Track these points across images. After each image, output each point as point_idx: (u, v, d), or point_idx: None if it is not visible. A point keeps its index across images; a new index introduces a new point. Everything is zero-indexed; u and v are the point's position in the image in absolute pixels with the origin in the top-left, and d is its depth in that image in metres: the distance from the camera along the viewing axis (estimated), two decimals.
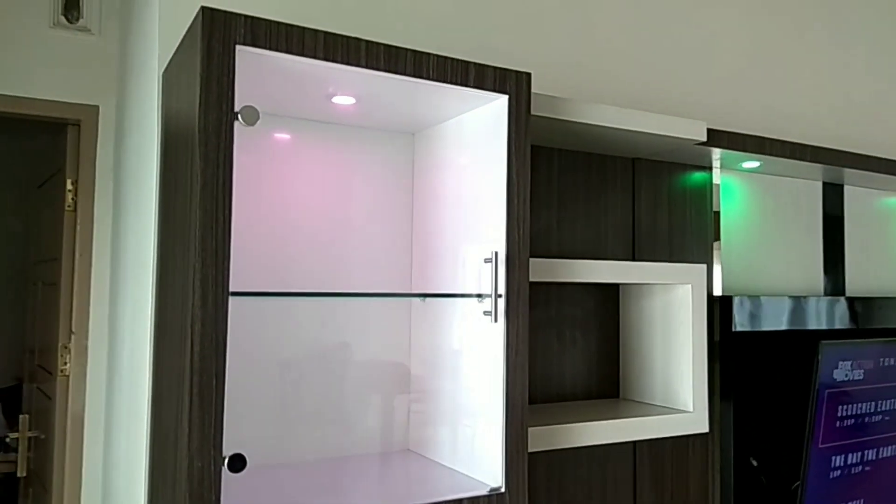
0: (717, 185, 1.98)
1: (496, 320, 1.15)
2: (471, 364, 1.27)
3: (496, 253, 1.16)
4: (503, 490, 1.17)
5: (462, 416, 1.29)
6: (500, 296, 1.18)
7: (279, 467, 1.30)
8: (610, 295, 1.72)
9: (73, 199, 2.10)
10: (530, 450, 1.36)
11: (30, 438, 2.40)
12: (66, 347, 2.08)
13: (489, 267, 1.18)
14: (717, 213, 1.93)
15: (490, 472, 1.20)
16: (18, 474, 2.38)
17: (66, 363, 2.09)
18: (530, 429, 1.37)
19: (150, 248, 1.30)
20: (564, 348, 1.66)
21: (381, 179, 1.44)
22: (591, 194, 1.69)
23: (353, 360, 1.41)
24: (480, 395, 1.24)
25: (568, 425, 1.39)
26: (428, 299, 1.43)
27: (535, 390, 1.62)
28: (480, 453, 1.23)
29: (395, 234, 1.46)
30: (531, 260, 1.37)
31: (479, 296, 1.21)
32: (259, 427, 1.30)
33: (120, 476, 1.49)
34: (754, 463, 1.86)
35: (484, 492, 1.16)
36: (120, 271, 1.70)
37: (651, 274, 1.48)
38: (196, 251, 0.95)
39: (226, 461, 0.95)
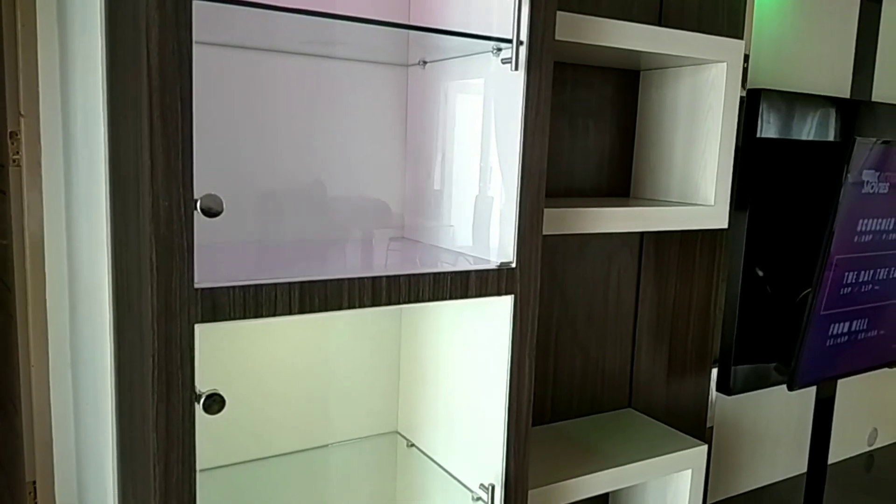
0: None
1: (516, 68, 0.97)
2: (476, 132, 1.11)
3: None
4: (514, 265, 1.04)
5: (465, 192, 1.14)
6: (521, 42, 0.99)
7: (254, 243, 1.15)
8: (630, 80, 1.54)
9: None
10: (548, 233, 1.23)
11: None
12: (15, 135, 1.87)
13: (509, 3, 0.98)
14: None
15: (500, 249, 1.07)
16: None
17: (17, 153, 1.88)
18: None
19: None
20: (576, 138, 1.50)
21: None
22: None
23: (337, 133, 1.23)
24: (489, 164, 1.09)
25: (581, 210, 1.25)
26: (428, 65, 1.23)
27: None
28: (488, 230, 1.09)
29: None
30: (562, 15, 1.17)
31: (496, 42, 1.02)
32: (232, 204, 1.14)
33: (83, 259, 1.35)
34: (760, 273, 1.78)
35: (493, 266, 1.03)
36: (68, 36, 1.46)
37: (683, 44, 1.29)
38: None
39: (198, 203, 0.79)
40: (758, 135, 1.70)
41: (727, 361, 1.74)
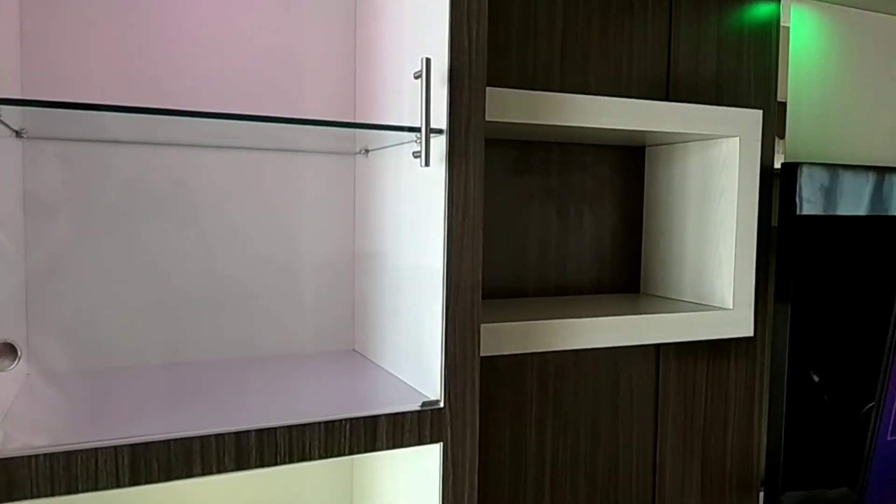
0: (787, 28, 1.51)
1: (426, 164, 0.78)
2: (410, 232, 0.91)
3: (427, 61, 0.77)
4: (442, 405, 0.83)
5: (405, 305, 0.94)
6: (436, 130, 0.80)
7: (150, 368, 0.99)
8: (631, 158, 1.32)
9: None
10: (509, 351, 1.02)
11: None
12: None
13: (420, 86, 0.79)
14: (781, 59, 1.47)
15: (428, 382, 0.86)
16: None
17: None
18: (507, 325, 1.02)
19: None
20: (568, 228, 1.28)
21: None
22: (609, 23, 1.27)
23: (274, 230, 1.07)
24: (418, 277, 0.89)
25: (560, 321, 1.03)
26: (371, 153, 1.06)
27: (525, 281, 1.26)
28: (422, 357, 0.89)
29: (336, 62, 1.08)
30: (515, 93, 0.98)
31: (411, 130, 0.83)
32: (125, 321, 0.98)
33: None
34: (815, 378, 1.47)
35: (413, 406, 0.82)
36: None
37: (684, 119, 1.07)
38: None
39: None
40: (798, 212, 1.43)
41: (774, 488, 1.43)
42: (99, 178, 0.96)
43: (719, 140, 1.15)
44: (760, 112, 1.14)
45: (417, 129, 0.80)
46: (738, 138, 1.12)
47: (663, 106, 1.06)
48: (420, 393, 0.88)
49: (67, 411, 0.79)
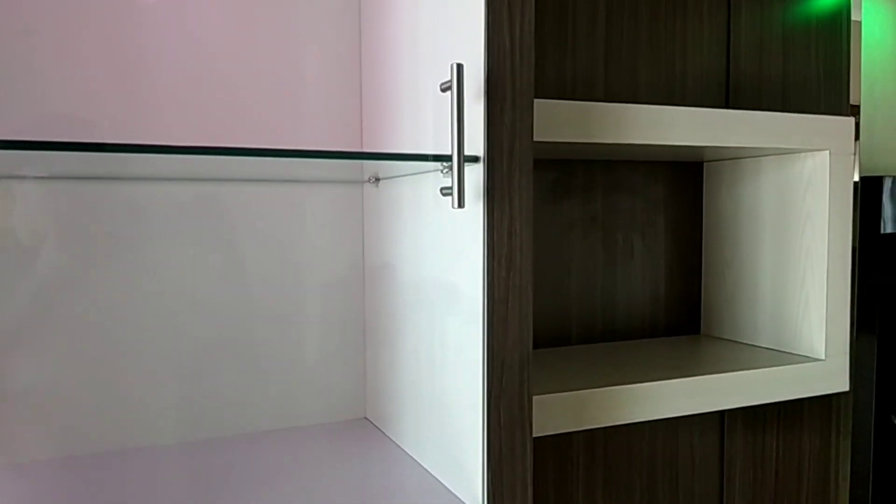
0: (858, 23, 1.31)
1: (460, 204, 0.58)
2: (430, 285, 0.72)
3: (458, 68, 0.57)
4: None
5: (422, 378, 0.75)
6: (470, 158, 0.61)
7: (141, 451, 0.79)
8: (688, 176, 1.12)
9: None
10: (562, 429, 0.82)
11: None
12: None
13: (448, 101, 0.60)
14: (852, 60, 1.27)
15: (467, 477, 0.67)
16: None
17: None
18: (557, 396, 0.82)
19: None
20: (616, 260, 1.08)
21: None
22: (658, 19, 1.07)
23: (268, 277, 0.87)
24: (448, 343, 0.69)
25: (621, 388, 0.83)
26: (381, 182, 0.87)
27: (567, 324, 1.06)
28: (455, 444, 0.69)
29: (341, 89, 0.89)
30: (562, 105, 0.78)
31: (438, 159, 0.64)
32: (98, 397, 0.79)
33: None
34: None
35: None
36: None
37: (766, 130, 0.87)
38: None
39: None
40: (882, 231, 1.23)
41: None
42: (63, 223, 0.77)
43: (803, 154, 0.95)
44: (852, 120, 0.94)
45: (445, 158, 0.61)
46: (827, 152, 0.92)
47: (741, 115, 0.86)
48: (453, 494, 0.68)
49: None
